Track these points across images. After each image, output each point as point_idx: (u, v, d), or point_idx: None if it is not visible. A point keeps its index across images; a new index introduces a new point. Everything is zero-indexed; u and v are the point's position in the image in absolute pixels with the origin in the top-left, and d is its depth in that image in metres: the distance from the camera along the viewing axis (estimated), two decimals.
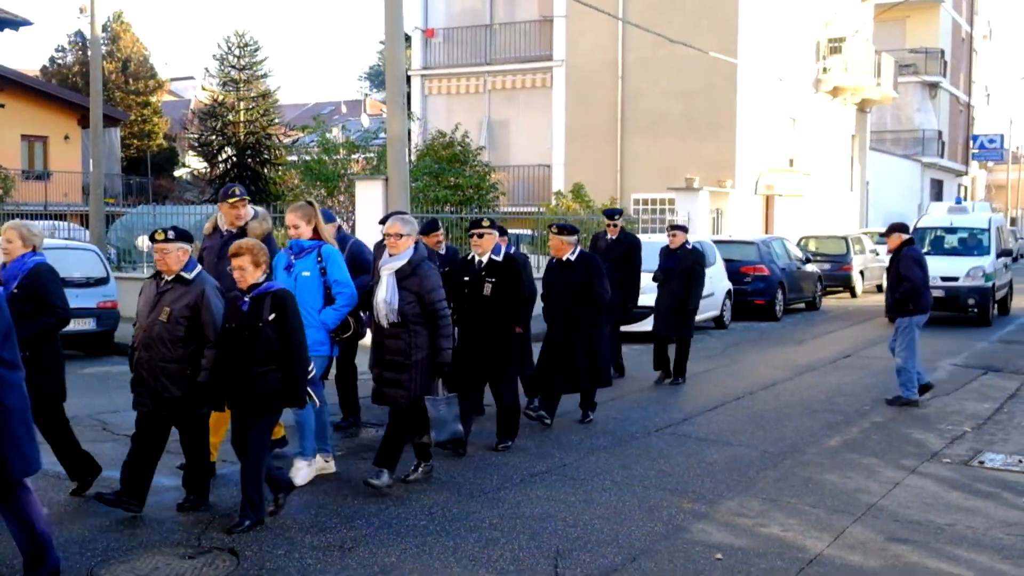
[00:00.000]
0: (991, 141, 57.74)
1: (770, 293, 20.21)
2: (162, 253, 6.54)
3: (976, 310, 19.30)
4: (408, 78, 28.76)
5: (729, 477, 7.96)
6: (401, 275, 7.14)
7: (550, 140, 29.05)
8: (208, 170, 43.36)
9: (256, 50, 43.33)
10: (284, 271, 7.58)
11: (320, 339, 7.50)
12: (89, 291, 14.04)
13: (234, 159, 41.68)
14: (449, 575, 5.79)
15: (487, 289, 8.31)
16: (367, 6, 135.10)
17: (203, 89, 48.39)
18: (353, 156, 20.46)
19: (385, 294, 7.13)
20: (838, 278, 25.62)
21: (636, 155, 27.62)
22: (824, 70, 32.19)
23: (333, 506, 7.00)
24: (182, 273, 6.56)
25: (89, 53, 22.55)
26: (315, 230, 7.63)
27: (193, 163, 47.23)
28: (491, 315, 8.34)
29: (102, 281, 14.48)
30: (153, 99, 44.52)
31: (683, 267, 12.28)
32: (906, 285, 10.94)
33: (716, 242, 19.79)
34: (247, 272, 6.36)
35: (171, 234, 6.54)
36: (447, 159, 20.13)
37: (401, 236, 7.18)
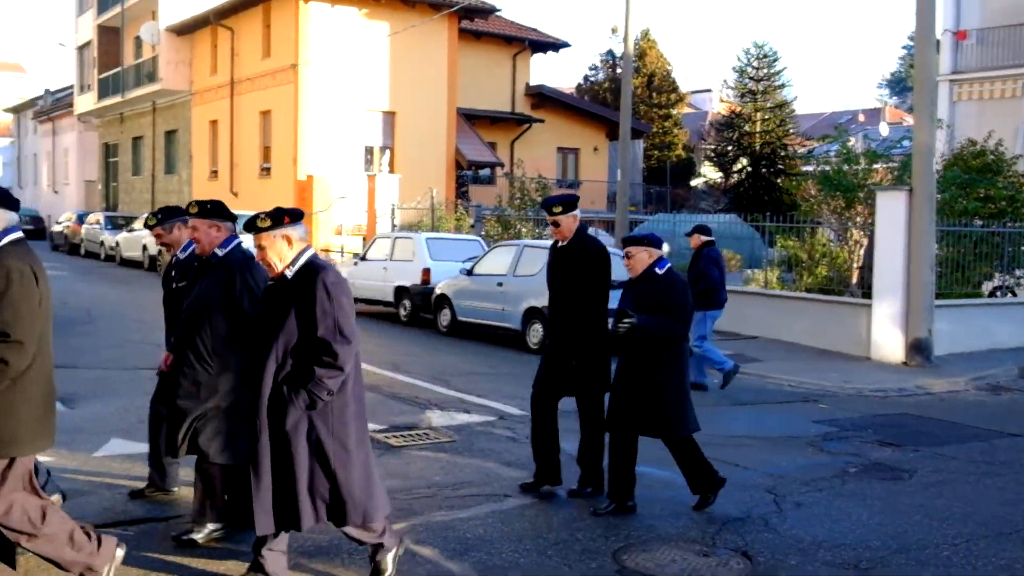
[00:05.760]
0: None
1: None
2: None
3: None
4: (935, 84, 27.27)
5: None
6: None
7: None
8: (723, 180, 44.33)
9: (775, 60, 43.56)
10: None
11: None
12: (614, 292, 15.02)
13: (749, 169, 42.19)
14: None
15: None
16: (889, 12, 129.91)
17: (720, 101, 49.54)
18: (874, 166, 19.78)
19: None
20: None
21: None
22: None
23: (847, 522, 6.88)
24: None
25: (619, 71, 23.99)
26: None
27: (708, 173, 48.49)
28: None
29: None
30: (674, 112, 46.34)
31: (650, 307, 6.91)
32: (703, 282, 11.61)
33: None
34: None
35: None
36: (977, 169, 18.79)
37: None
